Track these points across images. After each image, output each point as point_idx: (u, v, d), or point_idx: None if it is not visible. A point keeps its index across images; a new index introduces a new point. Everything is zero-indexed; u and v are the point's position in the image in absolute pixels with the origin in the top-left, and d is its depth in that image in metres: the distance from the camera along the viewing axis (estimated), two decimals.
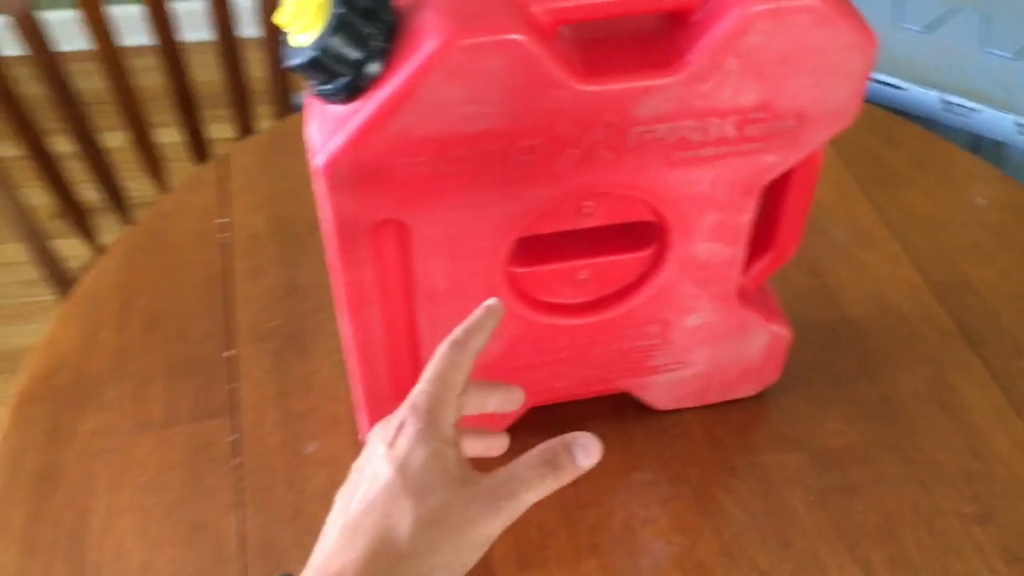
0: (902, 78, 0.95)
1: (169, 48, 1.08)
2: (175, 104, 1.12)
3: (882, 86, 0.96)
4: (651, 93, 0.48)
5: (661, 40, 0.49)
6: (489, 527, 0.40)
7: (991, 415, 0.67)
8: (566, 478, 0.42)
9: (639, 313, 0.60)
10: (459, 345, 0.45)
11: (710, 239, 0.56)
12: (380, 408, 0.61)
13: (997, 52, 0.99)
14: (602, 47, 0.49)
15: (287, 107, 1.14)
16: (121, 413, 0.68)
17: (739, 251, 0.58)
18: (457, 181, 0.50)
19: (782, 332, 0.64)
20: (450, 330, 0.57)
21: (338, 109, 0.48)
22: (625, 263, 0.58)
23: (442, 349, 0.45)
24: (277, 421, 0.67)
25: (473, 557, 0.41)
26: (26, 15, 0.98)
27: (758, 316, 0.63)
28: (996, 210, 0.82)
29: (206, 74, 1.21)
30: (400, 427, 0.42)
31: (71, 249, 1.10)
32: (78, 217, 1.08)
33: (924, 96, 0.94)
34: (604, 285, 0.59)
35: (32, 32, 0.99)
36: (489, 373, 0.60)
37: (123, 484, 0.64)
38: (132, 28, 1.17)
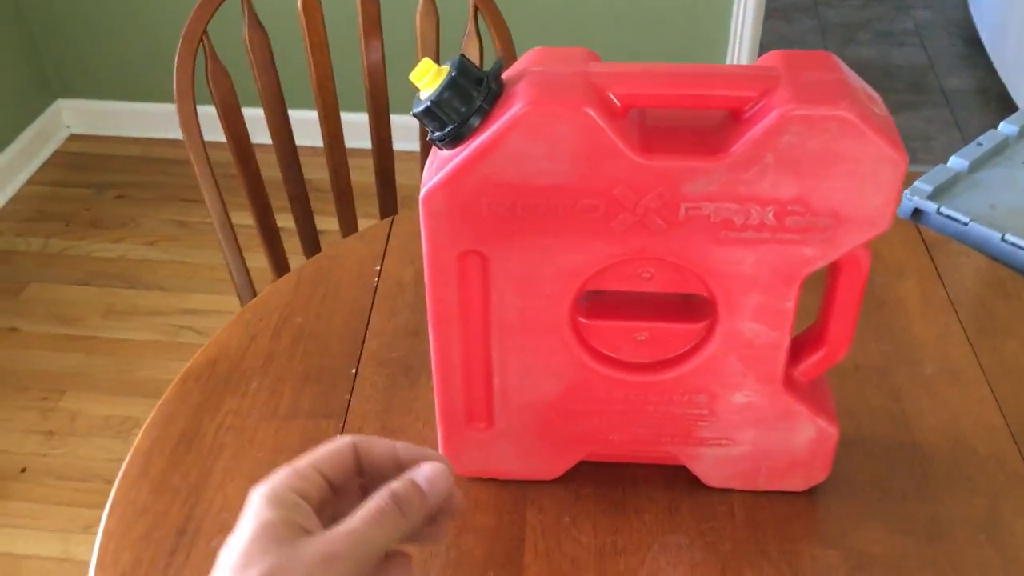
0: None
1: (382, 150, 1.28)
2: (379, 195, 1.31)
3: (1015, 248, 0.98)
4: (698, 173, 0.57)
5: (714, 132, 0.58)
6: (331, 573, 0.39)
7: None
8: (414, 514, 0.42)
9: (689, 381, 0.67)
10: (346, 440, 0.46)
11: (755, 319, 0.63)
12: (453, 424, 0.71)
13: None
14: (663, 132, 0.59)
15: None
16: (256, 401, 0.81)
17: (783, 337, 0.64)
18: (530, 225, 0.60)
19: (830, 429, 0.69)
20: (520, 363, 0.67)
21: (445, 153, 0.60)
22: (681, 331, 0.66)
23: (330, 444, 0.45)
24: (376, 430, 0.78)
25: None
26: (275, 106, 1.21)
27: (804, 408, 0.68)
28: None
29: (406, 178, 1.42)
30: (241, 513, 0.42)
31: None
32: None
33: None
34: (660, 349, 0.67)
35: (277, 117, 1.21)
36: (548, 413, 0.69)
37: (242, 456, 0.77)
38: (357, 133, 1.39)
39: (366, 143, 1.29)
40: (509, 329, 0.66)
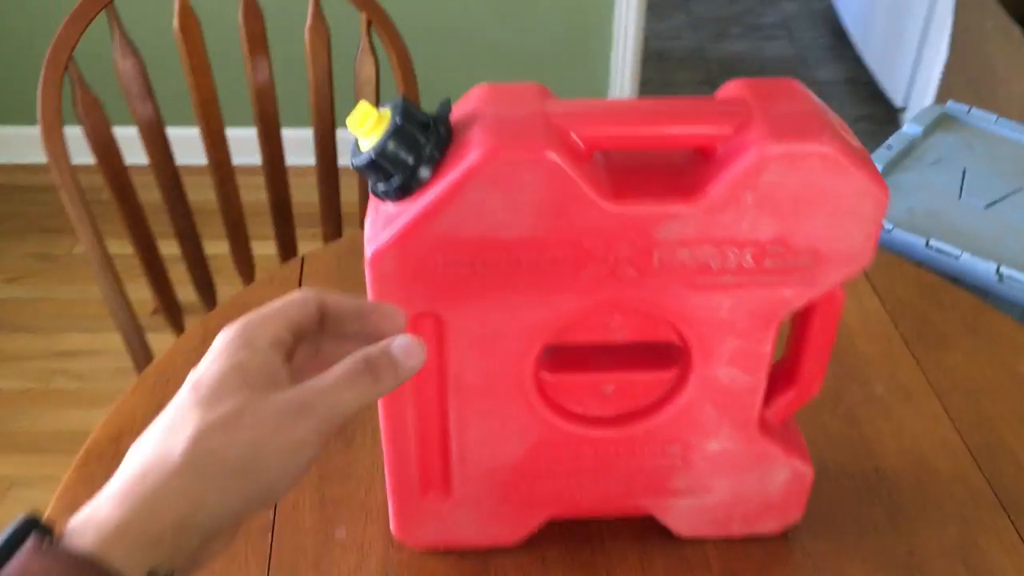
0: (960, 248, 0.97)
1: (274, 169, 1.19)
2: (274, 218, 1.22)
3: (940, 254, 0.98)
4: (672, 218, 0.53)
5: (686, 172, 0.54)
6: (300, 428, 0.38)
7: None
8: (385, 382, 0.40)
9: (661, 432, 0.62)
10: (302, 292, 0.43)
11: (731, 364, 0.59)
12: (407, 497, 0.64)
13: None
14: (631, 173, 0.54)
15: None
16: None
17: (760, 380, 0.60)
18: (492, 282, 0.54)
19: (804, 469, 0.66)
20: (480, 426, 0.61)
21: (391, 207, 0.53)
22: (649, 381, 0.61)
23: (295, 296, 0.43)
24: (314, 504, 0.71)
25: (285, 465, 0.38)
26: (153, 128, 1.10)
27: (779, 450, 0.64)
28: None
29: (306, 194, 1.32)
30: (209, 350, 0.40)
31: (165, 343, 1.19)
32: (174, 314, 1.17)
33: (980, 266, 0.96)
34: (629, 400, 0.62)
35: (157, 144, 1.11)
36: (511, 476, 0.63)
37: None
38: (244, 149, 1.29)
39: (256, 159, 1.19)
40: (468, 392, 0.60)
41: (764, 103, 0.53)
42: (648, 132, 0.52)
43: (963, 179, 1.07)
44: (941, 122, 1.18)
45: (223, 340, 0.41)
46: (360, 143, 0.52)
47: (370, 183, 0.53)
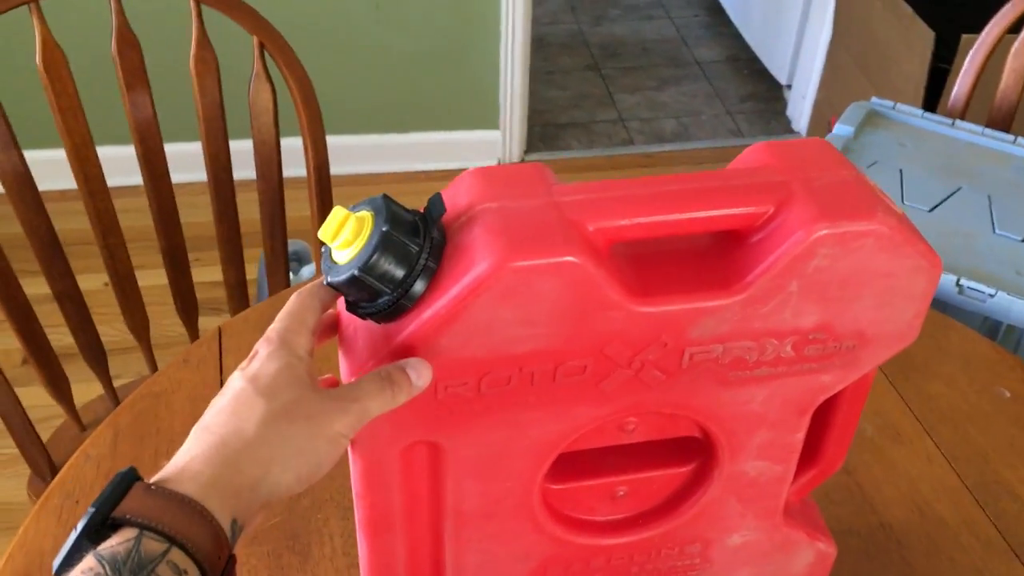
0: None
1: (159, 189, 1.05)
2: (160, 247, 1.08)
3: None
4: (708, 314, 0.45)
5: (718, 259, 0.46)
6: (339, 424, 0.43)
7: None
8: (401, 395, 0.43)
9: (680, 532, 0.55)
10: (308, 291, 0.46)
11: (760, 458, 0.53)
12: None
13: (1006, 234, 0.98)
14: (657, 265, 0.46)
15: (281, 256, 1.10)
16: None
17: (789, 469, 0.54)
18: (499, 402, 0.46)
19: (827, 549, 0.60)
20: (480, 553, 0.53)
21: (374, 327, 0.44)
22: (666, 479, 0.54)
23: (292, 297, 0.47)
24: None
25: (327, 452, 0.43)
26: (20, 179, 0.96)
27: (804, 534, 0.58)
28: (1022, 404, 0.80)
29: (194, 216, 1.18)
30: (254, 354, 0.45)
31: (38, 398, 1.05)
32: (47, 363, 1.02)
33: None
34: (643, 501, 0.55)
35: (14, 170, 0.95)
36: None
37: None
38: (120, 168, 1.15)
39: (137, 179, 1.05)
40: (466, 519, 0.51)
41: (800, 173, 0.46)
42: (677, 218, 0.45)
43: (902, 182, 1.04)
44: (869, 120, 1.15)
45: (270, 347, 0.44)
46: (334, 255, 0.43)
47: (345, 300, 0.44)
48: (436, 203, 0.44)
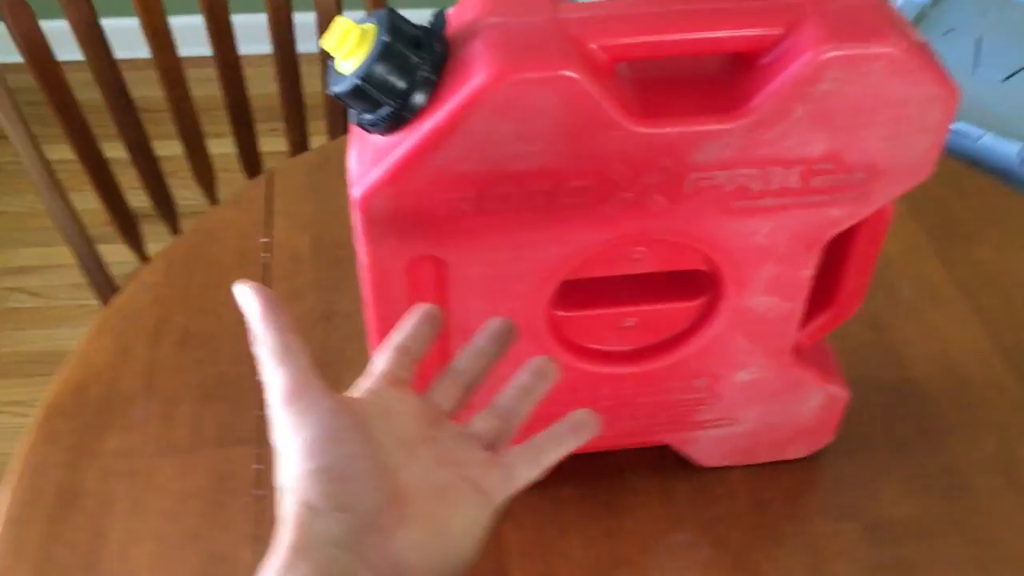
0: (979, 127, 0.91)
1: (226, 59, 1.08)
2: (230, 116, 1.11)
3: (958, 136, 0.91)
4: (711, 138, 0.45)
5: (724, 83, 0.46)
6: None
7: None
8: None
9: (687, 366, 0.57)
10: (400, 349, 0.45)
11: (767, 293, 0.53)
12: None
13: None
14: (661, 87, 0.46)
15: (342, 124, 1.13)
16: (146, 434, 0.66)
17: (797, 307, 0.54)
18: (500, 220, 0.47)
19: (839, 393, 0.61)
20: (487, 373, 0.55)
21: (379, 139, 0.45)
22: (674, 312, 0.55)
23: (380, 355, 0.45)
24: None
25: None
26: (87, 21, 0.99)
27: (814, 375, 0.59)
28: None
29: (262, 87, 1.21)
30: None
31: (119, 255, 1.11)
32: (127, 224, 1.08)
33: (1001, 147, 0.90)
34: (651, 334, 0.56)
35: (92, 38, 0.99)
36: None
37: (142, 509, 0.62)
38: (191, 39, 1.17)
39: (205, 49, 1.07)
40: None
41: None
42: (682, 37, 0.44)
43: (978, 50, 1.00)
44: None
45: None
46: (339, 65, 0.44)
47: (353, 113, 0.45)
48: (439, 18, 0.44)
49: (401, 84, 0.43)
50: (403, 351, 0.45)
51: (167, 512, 0.62)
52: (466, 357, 0.46)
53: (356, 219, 0.47)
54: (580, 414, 0.45)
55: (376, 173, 0.45)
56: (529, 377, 0.46)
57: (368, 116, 0.44)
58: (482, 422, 0.44)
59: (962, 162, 0.86)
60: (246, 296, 0.43)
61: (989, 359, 0.71)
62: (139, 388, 0.69)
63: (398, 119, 0.44)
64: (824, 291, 0.57)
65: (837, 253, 0.55)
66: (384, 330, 0.52)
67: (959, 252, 0.78)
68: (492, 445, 0.44)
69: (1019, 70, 0.97)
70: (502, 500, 0.42)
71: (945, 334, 0.72)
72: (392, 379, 0.44)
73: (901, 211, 0.82)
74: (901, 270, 0.77)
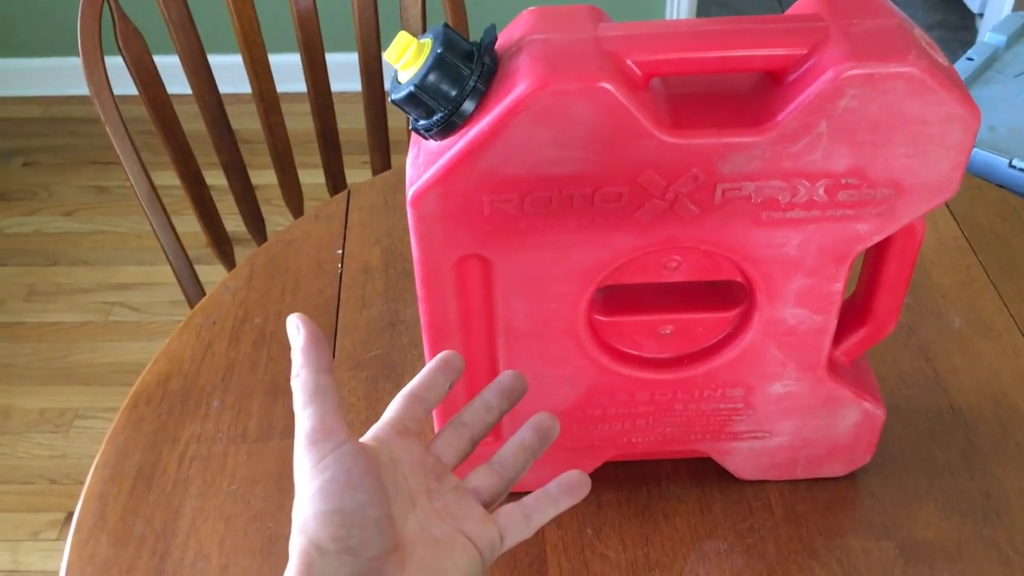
0: None
1: (319, 96, 1.15)
2: (320, 146, 1.19)
3: (1021, 172, 0.92)
4: (738, 150, 0.48)
5: (753, 99, 0.49)
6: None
7: None
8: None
9: (722, 375, 0.59)
10: (413, 397, 0.46)
11: (797, 305, 0.55)
12: None
13: None
14: (692, 101, 0.49)
15: None
16: (221, 424, 0.71)
17: (829, 320, 0.57)
18: (541, 222, 0.51)
19: (876, 411, 0.62)
20: (530, 371, 0.58)
21: (433, 145, 0.50)
22: (710, 322, 0.58)
23: (396, 400, 0.46)
24: None
25: None
26: (195, 57, 1.07)
27: (849, 392, 0.61)
28: None
29: (354, 122, 1.29)
30: None
31: (215, 275, 1.18)
32: (223, 246, 1.16)
33: None
34: (688, 342, 0.59)
35: (199, 70, 1.08)
36: (565, 420, 0.61)
37: (212, 491, 0.67)
38: (288, 75, 1.26)
39: (301, 86, 1.15)
40: (517, 337, 0.57)
41: (842, 19, 0.48)
42: (712, 55, 0.48)
43: None
44: None
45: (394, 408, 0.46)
46: (399, 76, 0.49)
47: (410, 119, 0.50)
48: (489, 33, 0.49)
49: (452, 92, 0.47)
50: (416, 399, 0.46)
51: (234, 494, 0.67)
52: (473, 411, 0.47)
53: (410, 218, 0.51)
54: (573, 475, 0.46)
55: (428, 175, 0.50)
56: (531, 435, 0.47)
57: (423, 122, 0.49)
58: (480, 479, 0.45)
59: None
60: (294, 328, 0.44)
61: None
62: (217, 383, 0.74)
63: (449, 125, 0.48)
64: (860, 309, 0.59)
65: (871, 270, 0.57)
66: (434, 326, 0.57)
67: (1016, 287, 0.79)
68: (489, 503, 0.45)
69: None
70: (493, 558, 0.43)
71: (993, 365, 0.73)
72: (400, 428, 0.45)
73: (960, 243, 0.83)
74: (955, 301, 0.78)
